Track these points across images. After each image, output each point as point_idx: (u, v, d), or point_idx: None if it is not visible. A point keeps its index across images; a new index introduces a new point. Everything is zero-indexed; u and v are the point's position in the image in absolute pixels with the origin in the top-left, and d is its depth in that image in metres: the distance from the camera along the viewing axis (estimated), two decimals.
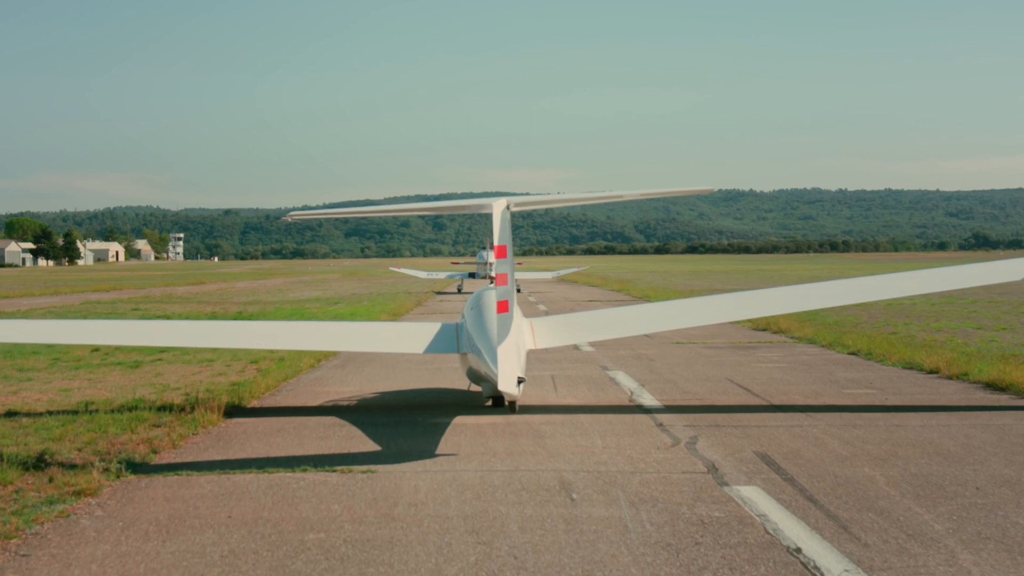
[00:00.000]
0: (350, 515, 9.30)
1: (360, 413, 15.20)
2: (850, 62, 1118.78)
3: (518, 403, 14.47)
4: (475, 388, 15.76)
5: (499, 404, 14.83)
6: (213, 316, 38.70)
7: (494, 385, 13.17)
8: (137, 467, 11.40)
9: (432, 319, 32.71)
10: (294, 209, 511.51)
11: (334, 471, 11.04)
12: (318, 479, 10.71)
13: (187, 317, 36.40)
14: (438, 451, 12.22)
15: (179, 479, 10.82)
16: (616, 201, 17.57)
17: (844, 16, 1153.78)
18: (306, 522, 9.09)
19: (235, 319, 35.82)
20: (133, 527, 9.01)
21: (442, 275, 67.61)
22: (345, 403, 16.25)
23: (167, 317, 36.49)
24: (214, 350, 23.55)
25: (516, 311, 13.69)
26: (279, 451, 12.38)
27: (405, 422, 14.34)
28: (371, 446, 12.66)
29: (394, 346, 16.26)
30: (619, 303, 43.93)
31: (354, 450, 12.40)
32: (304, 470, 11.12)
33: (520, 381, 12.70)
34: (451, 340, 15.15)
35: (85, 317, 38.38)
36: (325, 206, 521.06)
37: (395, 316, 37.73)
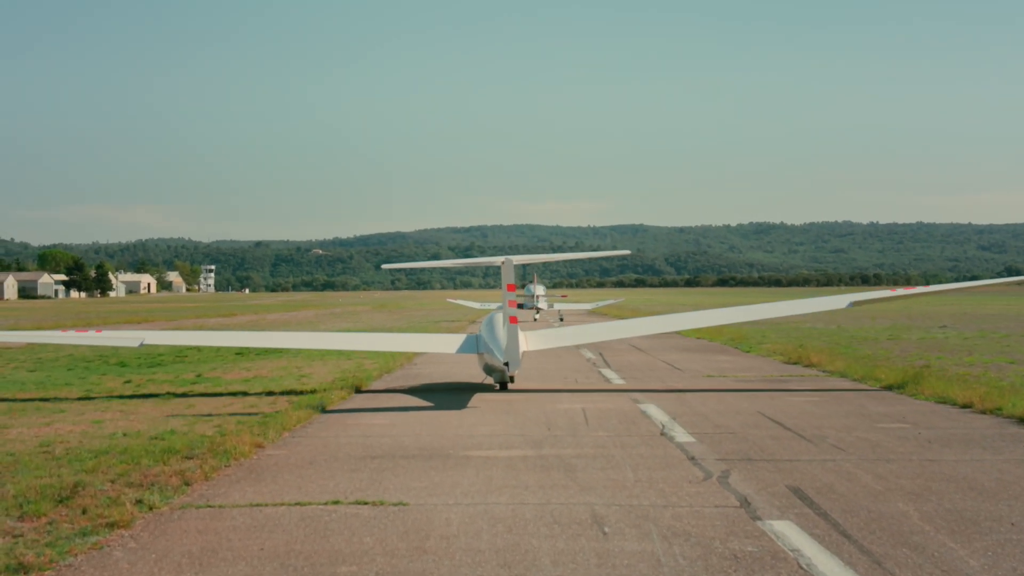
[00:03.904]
0: (382, 548, 9.31)
1: (421, 392, 22.61)
2: (881, 94, 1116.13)
3: (515, 382, 22.92)
4: (488, 380, 23.38)
5: (504, 388, 22.51)
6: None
7: (501, 372, 21.65)
8: (324, 410, 18.67)
9: None
10: (324, 242, 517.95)
11: (365, 504, 11.07)
12: (350, 512, 10.74)
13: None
14: (468, 405, 19.59)
15: (211, 511, 10.86)
16: (572, 259, 25.18)
17: (875, 49, 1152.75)
18: (338, 555, 9.10)
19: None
20: (166, 559, 9.05)
21: (493, 305, 72.39)
22: (404, 388, 23.07)
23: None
24: (245, 381, 25.02)
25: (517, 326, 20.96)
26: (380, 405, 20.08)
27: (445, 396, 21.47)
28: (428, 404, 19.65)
29: (437, 348, 24.80)
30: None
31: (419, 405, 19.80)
32: (336, 502, 11.15)
33: (517, 363, 20.80)
34: (472, 345, 22.87)
35: None
36: (356, 239, 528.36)
37: None
